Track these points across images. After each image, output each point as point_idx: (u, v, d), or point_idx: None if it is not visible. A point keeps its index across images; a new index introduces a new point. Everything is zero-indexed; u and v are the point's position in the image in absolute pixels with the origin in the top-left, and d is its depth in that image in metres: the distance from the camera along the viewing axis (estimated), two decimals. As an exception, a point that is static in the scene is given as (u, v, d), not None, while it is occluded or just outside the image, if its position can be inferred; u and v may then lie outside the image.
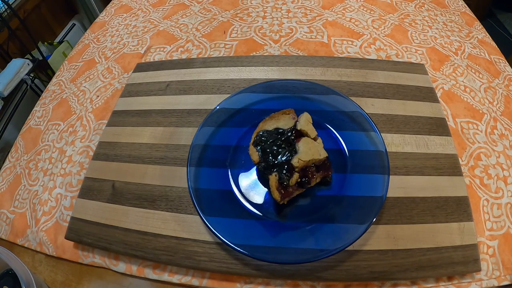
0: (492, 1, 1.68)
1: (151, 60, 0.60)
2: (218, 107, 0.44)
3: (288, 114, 0.42)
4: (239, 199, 0.39)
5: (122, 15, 0.73)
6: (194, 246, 0.37)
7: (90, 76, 0.60)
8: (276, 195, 0.35)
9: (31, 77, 1.39)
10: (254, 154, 0.38)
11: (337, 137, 0.43)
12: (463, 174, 0.40)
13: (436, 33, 0.60)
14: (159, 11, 0.72)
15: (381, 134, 0.39)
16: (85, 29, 0.85)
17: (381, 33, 0.60)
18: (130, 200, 0.41)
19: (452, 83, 0.51)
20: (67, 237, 0.40)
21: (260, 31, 0.62)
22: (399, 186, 0.39)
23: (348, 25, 0.62)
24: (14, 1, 1.43)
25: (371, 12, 0.65)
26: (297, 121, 0.40)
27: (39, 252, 0.41)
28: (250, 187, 0.40)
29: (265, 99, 0.46)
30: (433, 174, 0.40)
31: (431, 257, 0.34)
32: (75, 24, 1.80)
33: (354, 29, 0.61)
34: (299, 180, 0.36)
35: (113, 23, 0.72)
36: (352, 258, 0.35)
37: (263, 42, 0.60)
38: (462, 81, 0.51)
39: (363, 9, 0.65)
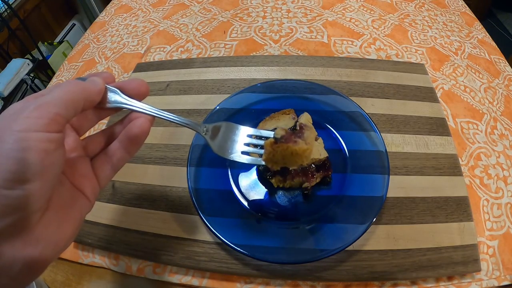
0: (492, 1, 1.69)
1: (151, 60, 0.60)
2: (218, 107, 0.44)
3: (288, 114, 0.42)
4: (239, 199, 0.39)
5: (122, 15, 0.73)
6: (194, 246, 0.37)
7: (90, 76, 0.60)
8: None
9: (31, 77, 1.39)
10: (254, 154, 0.38)
11: (337, 137, 0.43)
12: (463, 174, 0.40)
13: (436, 33, 0.60)
14: (159, 11, 0.72)
15: (381, 134, 0.39)
16: (85, 29, 0.85)
17: (381, 33, 0.60)
18: (130, 200, 0.41)
19: (452, 83, 0.51)
20: (67, 237, 0.40)
21: (260, 31, 0.62)
22: (399, 186, 0.39)
23: (348, 25, 0.62)
24: (14, 1, 1.43)
25: (371, 12, 0.65)
26: (297, 121, 0.40)
27: (39, 252, 0.41)
28: (250, 187, 0.40)
29: (265, 99, 0.46)
30: (433, 174, 0.40)
31: (431, 257, 0.34)
32: (75, 24, 1.81)
33: (354, 29, 0.61)
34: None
35: (113, 23, 0.72)
36: (352, 258, 0.35)
37: (263, 42, 0.60)
38: (462, 81, 0.51)
39: (363, 9, 0.65)
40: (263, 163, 0.30)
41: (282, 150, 0.29)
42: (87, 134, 0.25)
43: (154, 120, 0.24)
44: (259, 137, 0.31)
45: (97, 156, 0.24)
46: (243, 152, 0.30)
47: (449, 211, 0.37)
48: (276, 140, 0.28)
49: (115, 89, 0.24)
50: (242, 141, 0.30)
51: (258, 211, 0.38)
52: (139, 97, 0.24)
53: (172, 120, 0.25)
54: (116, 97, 0.23)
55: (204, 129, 0.29)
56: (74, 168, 0.22)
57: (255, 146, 0.31)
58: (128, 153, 0.24)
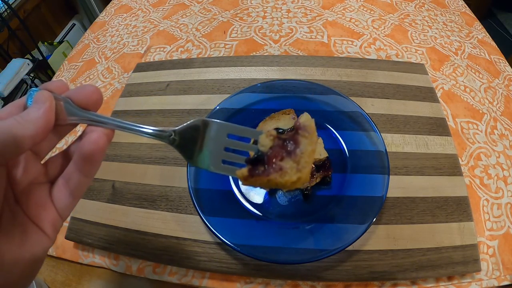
0: (492, 1, 1.69)
1: (151, 60, 0.60)
2: (218, 107, 0.44)
3: (288, 114, 0.42)
4: (239, 199, 0.39)
5: (122, 15, 0.73)
6: (194, 246, 0.37)
7: (90, 76, 0.60)
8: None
9: (31, 77, 1.39)
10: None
11: (337, 137, 0.43)
12: (463, 174, 0.40)
13: (436, 33, 0.60)
14: (159, 11, 0.72)
15: (381, 134, 0.39)
16: (85, 29, 0.85)
17: (381, 33, 0.60)
18: (130, 200, 0.41)
19: (452, 83, 0.51)
20: (67, 237, 0.40)
21: (260, 31, 0.62)
22: (399, 186, 0.39)
23: (348, 25, 0.62)
24: (14, 1, 1.43)
25: (371, 12, 0.65)
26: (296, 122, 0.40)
27: (39, 252, 0.41)
28: (250, 187, 0.40)
29: (265, 99, 0.46)
30: (433, 174, 0.40)
31: (431, 257, 0.34)
32: (75, 24, 1.81)
33: (354, 29, 0.61)
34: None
35: (113, 23, 0.72)
36: (352, 258, 0.35)
37: (263, 42, 0.60)
38: (462, 81, 0.51)
39: (363, 9, 0.65)
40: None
41: (262, 183, 0.22)
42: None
43: (113, 134, 0.20)
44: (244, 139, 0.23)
45: (55, 182, 0.20)
46: (224, 162, 0.23)
47: (449, 211, 0.37)
48: (251, 172, 0.22)
49: (68, 99, 0.20)
50: (222, 144, 0.23)
51: (258, 211, 0.38)
52: (93, 107, 0.20)
53: (133, 131, 0.21)
54: (72, 109, 0.20)
55: (171, 137, 0.23)
56: (30, 197, 0.19)
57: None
58: (85, 176, 0.20)
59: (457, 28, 0.61)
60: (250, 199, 0.39)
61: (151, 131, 0.22)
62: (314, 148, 0.22)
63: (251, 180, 0.22)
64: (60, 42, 1.64)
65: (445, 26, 0.61)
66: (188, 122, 0.23)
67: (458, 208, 0.37)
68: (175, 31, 0.65)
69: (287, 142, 0.22)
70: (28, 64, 1.36)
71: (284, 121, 0.41)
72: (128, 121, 0.21)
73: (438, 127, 0.44)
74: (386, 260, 0.34)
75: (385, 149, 0.38)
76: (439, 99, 0.48)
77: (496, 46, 0.58)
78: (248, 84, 0.50)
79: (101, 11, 0.80)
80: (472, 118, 0.47)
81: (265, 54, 0.57)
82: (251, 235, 0.35)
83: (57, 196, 0.20)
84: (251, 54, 0.57)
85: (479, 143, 0.44)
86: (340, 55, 0.56)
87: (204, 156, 0.23)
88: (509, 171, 0.42)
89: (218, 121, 0.23)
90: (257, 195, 0.39)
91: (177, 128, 0.23)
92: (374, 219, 0.33)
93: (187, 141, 0.23)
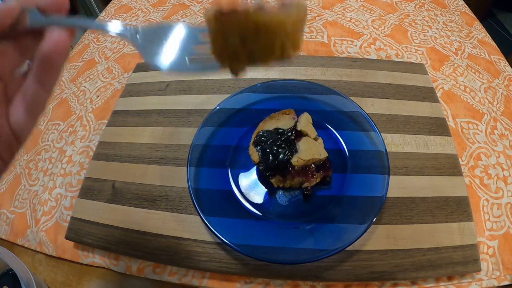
0: (492, 1, 1.68)
1: (151, 60, 0.60)
2: (218, 107, 0.44)
3: (288, 114, 0.42)
4: (239, 199, 0.39)
5: (122, 15, 0.73)
6: (194, 246, 0.37)
7: (90, 76, 0.60)
8: None
9: (31, 77, 1.38)
10: (254, 154, 0.38)
11: (337, 137, 0.43)
12: (463, 174, 0.40)
13: (436, 33, 0.60)
14: (159, 11, 0.71)
15: (381, 134, 0.39)
16: (85, 29, 0.85)
17: (381, 33, 0.60)
18: (130, 200, 0.41)
19: (452, 83, 0.51)
20: (67, 237, 0.40)
21: (260, 31, 0.62)
22: (399, 186, 0.39)
23: (348, 25, 0.62)
24: (14, 1, 1.43)
25: (371, 12, 0.64)
26: (297, 121, 0.41)
27: (39, 252, 0.41)
28: (250, 187, 0.40)
29: (265, 99, 0.46)
30: (433, 174, 0.40)
31: (431, 257, 0.34)
32: (75, 24, 1.80)
33: (354, 29, 0.61)
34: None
35: (113, 23, 0.71)
36: (352, 258, 0.35)
37: (263, 42, 0.60)
38: (462, 81, 0.51)
39: (363, 9, 0.65)
40: (217, 64, 0.20)
41: (238, 25, 0.17)
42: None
43: (73, 34, 0.19)
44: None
45: (12, 100, 0.19)
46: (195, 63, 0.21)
47: (449, 211, 0.37)
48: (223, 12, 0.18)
49: (33, 8, 0.18)
50: (193, 44, 0.21)
51: (258, 211, 0.38)
52: (58, 10, 0.19)
53: (96, 28, 0.20)
54: (37, 18, 0.18)
55: (136, 35, 0.20)
56: None
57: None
58: (42, 85, 0.18)
59: (457, 28, 0.61)
60: (250, 199, 0.39)
61: (116, 29, 0.20)
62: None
63: (223, 21, 0.17)
64: (60, 42, 1.64)
65: (445, 26, 0.61)
66: (157, 24, 0.21)
67: (458, 208, 0.37)
68: (175, 31, 0.65)
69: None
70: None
71: (284, 121, 0.41)
72: (92, 20, 0.20)
73: (438, 127, 0.44)
74: (386, 260, 0.34)
75: (385, 149, 0.38)
76: (439, 99, 0.48)
77: (496, 46, 0.58)
78: (248, 84, 0.50)
79: (101, 11, 0.80)
80: (472, 118, 0.47)
81: (265, 54, 0.57)
82: (251, 235, 0.35)
83: (12, 113, 0.18)
84: (251, 54, 0.57)
85: (479, 143, 0.44)
86: (340, 55, 0.56)
87: (169, 58, 0.21)
88: (509, 171, 0.42)
89: (189, 24, 0.21)
90: (257, 195, 0.39)
91: (143, 26, 0.21)
92: (374, 219, 0.33)
93: (153, 43, 0.21)
